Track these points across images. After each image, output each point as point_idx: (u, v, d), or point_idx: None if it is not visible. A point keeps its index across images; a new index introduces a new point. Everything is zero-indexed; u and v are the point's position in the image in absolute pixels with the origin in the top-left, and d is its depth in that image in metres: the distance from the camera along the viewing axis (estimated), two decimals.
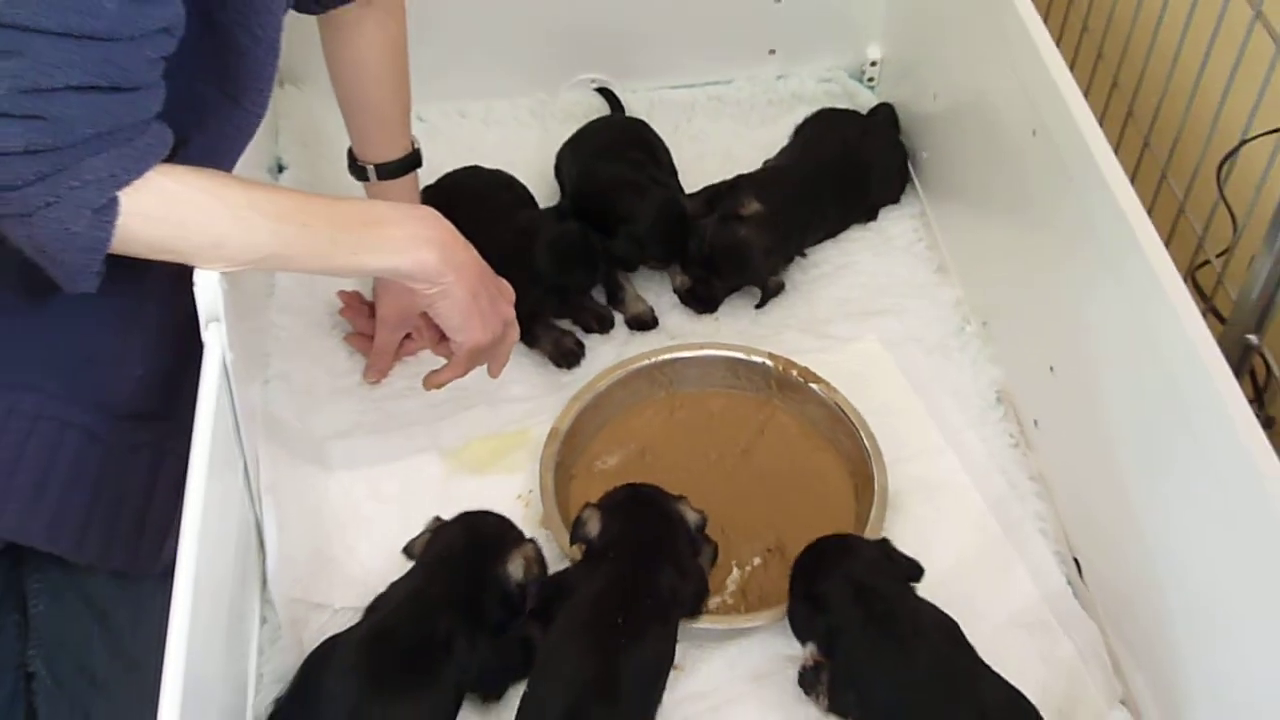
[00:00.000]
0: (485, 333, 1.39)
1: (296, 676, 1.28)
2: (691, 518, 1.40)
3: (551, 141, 1.89)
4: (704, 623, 1.38)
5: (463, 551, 1.36)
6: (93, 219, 1.09)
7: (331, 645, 1.28)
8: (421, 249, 1.28)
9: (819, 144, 1.91)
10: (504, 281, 1.43)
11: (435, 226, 1.31)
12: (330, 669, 1.25)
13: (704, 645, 1.39)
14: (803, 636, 1.35)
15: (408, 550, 1.41)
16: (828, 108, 2.00)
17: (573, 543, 1.39)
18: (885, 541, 1.39)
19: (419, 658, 1.26)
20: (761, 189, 1.77)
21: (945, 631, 1.29)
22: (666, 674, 1.31)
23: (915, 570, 1.36)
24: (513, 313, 1.43)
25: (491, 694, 1.34)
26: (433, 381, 1.47)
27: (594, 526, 1.37)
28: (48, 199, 1.06)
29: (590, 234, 1.70)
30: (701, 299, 1.74)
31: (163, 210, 1.14)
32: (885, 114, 1.98)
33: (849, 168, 1.87)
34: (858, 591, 1.30)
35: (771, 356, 1.63)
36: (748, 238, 1.72)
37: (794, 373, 1.61)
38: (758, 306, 1.75)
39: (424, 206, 1.36)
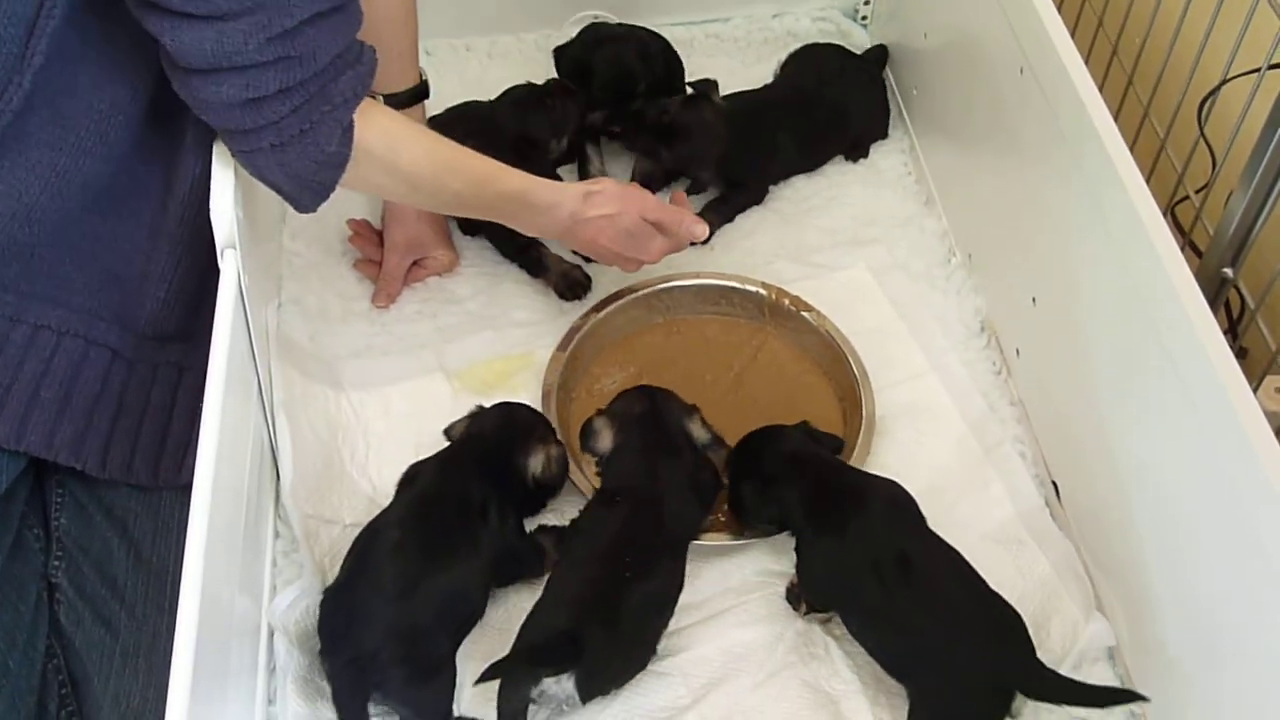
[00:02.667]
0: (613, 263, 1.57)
1: (348, 559, 1.31)
2: (699, 436, 1.44)
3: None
4: (698, 540, 1.42)
5: (494, 433, 1.42)
6: (341, 137, 1.21)
7: (377, 525, 1.32)
8: (539, 235, 1.54)
9: (796, 77, 1.94)
10: (643, 242, 1.53)
11: (565, 221, 1.47)
12: (381, 545, 1.29)
13: (696, 560, 1.42)
14: (756, 516, 1.41)
15: (448, 432, 1.45)
16: (811, 43, 2.01)
17: (583, 451, 1.43)
18: (805, 423, 1.45)
19: (460, 522, 1.32)
20: (731, 99, 1.83)
21: (883, 490, 1.36)
22: (673, 602, 1.34)
23: (836, 444, 1.43)
24: (651, 254, 1.55)
25: (502, 581, 1.39)
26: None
27: (605, 442, 1.41)
28: (302, 126, 1.17)
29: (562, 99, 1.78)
30: (647, 176, 1.79)
31: (384, 146, 1.29)
32: (873, 53, 2.00)
33: (822, 100, 1.89)
34: (796, 463, 1.38)
35: (765, 285, 1.67)
36: (707, 118, 1.77)
37: (786, 301, 1.65)
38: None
39: (572, 194, 1.48)
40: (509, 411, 1.46)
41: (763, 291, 1.67)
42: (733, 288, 1.68)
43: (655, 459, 1.40)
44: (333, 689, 1.25)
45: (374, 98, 1.57)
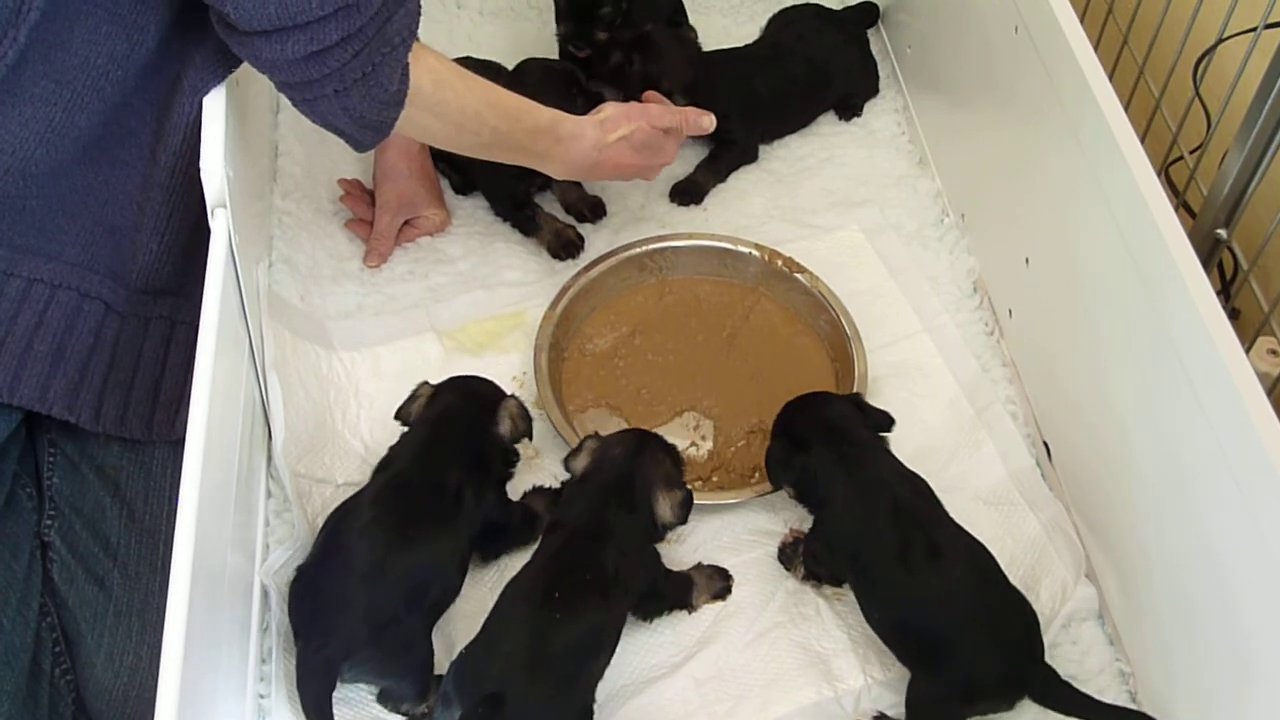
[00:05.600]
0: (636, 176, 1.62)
1: (319, 539, 1.31)
2: (664, 514, 1.33)
3: (548, 33, 1.90)
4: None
5: (462, 410, 1.39)
6: (401, 76, 1.24)
7: (349, 506, 1.31)
8: (568, 173, 1.53)
9: (776, 35, 1.94)
10: (658, 148, 1.58)
11: (591, 151, 1.50)
12: (351, 527, 1.27)
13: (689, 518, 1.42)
14: (779, 477, 1.39)
15: (401, 416, 1.41)
16: (793, 5, 2.00)
17: (565, 461, 1.39)
18: (857, 395, 1.43)
19: (434, 507, 1.30)
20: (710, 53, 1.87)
21: (910, 481, 1.33)
22: (605, 650, 1.26)
23: (885, 420, 1.39)
24: (668, 156, 1.60)
25: (489, 554, 1.39)
26: None
27: (581, 463, 1.36)
28: (364, 69, 1.19)
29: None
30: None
31: (431, 84, 1.30)
32: (856, 11, 1.99)
33: (799, 57, 1.88)
34: (830, 434, 1.35)
35: (758, 246, 1.67)
36: (681, 38, 1.82)
37: (779, 262, 1.65)
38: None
39: (590, 124, 1.50)
40: (467, 385, 1.43)
41: (756, 253, 1.67)
42: (725, 249, 1.68)
43: (611, 499, 1.32)
44: (298, 674, 1.23)
45: None
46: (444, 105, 1.34)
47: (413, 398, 1.42)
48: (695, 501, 1.42)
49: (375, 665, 1.25)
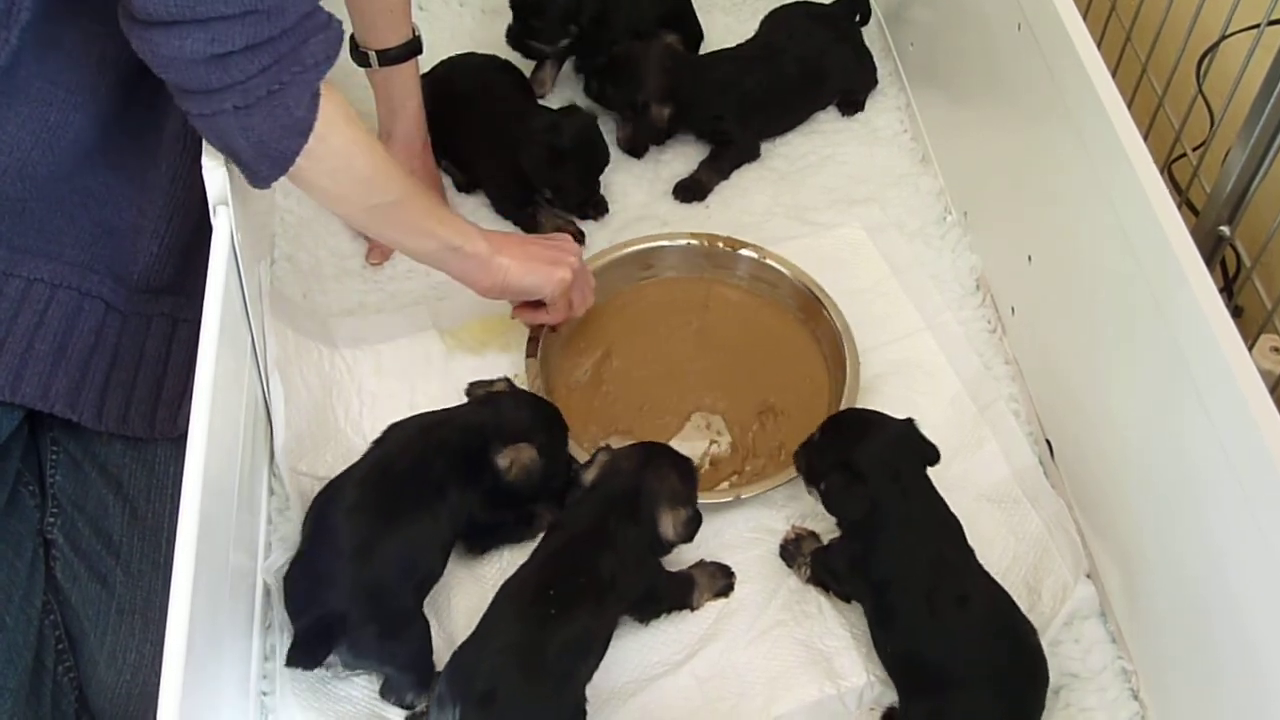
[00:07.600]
0: (555, 271, 1.46)
1: (306, 525, 1.31)
2: (667, 531, 1.32)
3: None
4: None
5: (479, 424, 1.38)
6: (310, 102, 1.16)
7: (336, 485, 1.32)
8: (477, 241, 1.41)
9: (768, 34, 1.93)
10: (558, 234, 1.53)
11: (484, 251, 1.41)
12: (335, 509, 1.29)
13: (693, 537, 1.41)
14: (846, 512, 1.35)
15: (470, 389, 1.46)
16: (784, 4, 1.98)
17: (576, 473, 1.38)
18: (910, 421, 1.38)
19: (416, 493, 1.30)
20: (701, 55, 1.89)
21: (950, 524, 1.32)
22: (595, 654, 1.25)
23: (934, 454, 1.36)
24: (571, 255, 1.49)
25: (476, 548, 1.39)
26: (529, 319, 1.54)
27: (590, 475, 1.35)
28: (270, 87, 1.12)
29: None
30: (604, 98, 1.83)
31: (344, 118, 1.22)
32: (844, 7, 1.97)
33: (790, 54, 1.87)
34: (893, 469, 1.32)
35: (756, 247, 1.66)
36: (649, 51, 1.80)
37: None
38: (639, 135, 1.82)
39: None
40: (512, 402, 1.43)
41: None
42: (719, 248, 1.67)
43: (615, 508, 1.31)
44: (293, 642, 1.24)
45: (366, 54, 1.58)
46: (358, 143, 1.26)
47: (489, 383, 1.47)
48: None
49: (373, 644, 1.25)
